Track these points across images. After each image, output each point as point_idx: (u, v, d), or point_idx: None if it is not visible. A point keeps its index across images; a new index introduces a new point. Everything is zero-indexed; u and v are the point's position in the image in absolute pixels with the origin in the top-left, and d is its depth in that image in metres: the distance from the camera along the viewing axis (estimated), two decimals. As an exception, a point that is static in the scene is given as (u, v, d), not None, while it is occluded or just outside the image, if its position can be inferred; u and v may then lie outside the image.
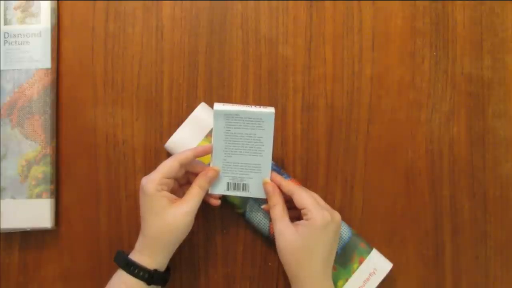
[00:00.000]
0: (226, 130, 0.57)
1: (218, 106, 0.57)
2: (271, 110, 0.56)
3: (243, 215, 0.61)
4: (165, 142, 0.61)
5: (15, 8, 0.63)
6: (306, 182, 0.63)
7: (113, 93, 0.64)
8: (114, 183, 0.64)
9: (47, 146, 0.62)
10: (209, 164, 0.58)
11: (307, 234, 0.54)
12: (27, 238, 0.64)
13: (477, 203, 0.64)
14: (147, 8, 0.65)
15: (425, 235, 0.64)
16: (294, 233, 0.54)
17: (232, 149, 0.57)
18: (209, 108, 0.62)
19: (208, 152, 0.58)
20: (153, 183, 0.54)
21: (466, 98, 0.64)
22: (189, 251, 0.63)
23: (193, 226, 0.56)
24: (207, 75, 0.64)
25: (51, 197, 0.62)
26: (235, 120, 0.56)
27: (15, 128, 0.62)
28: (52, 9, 0.63)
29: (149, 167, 0.62)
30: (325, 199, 0.59)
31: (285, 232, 0.55)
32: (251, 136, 0.57)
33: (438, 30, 0.65)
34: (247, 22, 0.65)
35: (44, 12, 0.63)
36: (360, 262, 0.60)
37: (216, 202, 0.59)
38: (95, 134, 0.64)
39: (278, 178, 0.58)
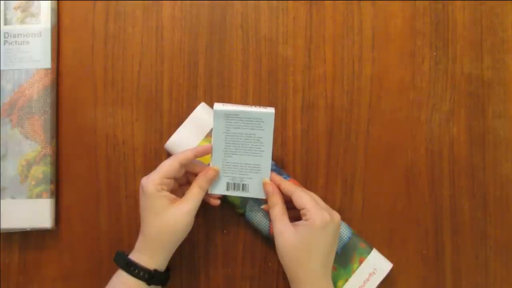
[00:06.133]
0: (226, 130, 0.57)
1: (218, 106, 0.57)
2: (271, 110, 0.56)
3: (243, 215, 0.61)
4: (165, 142, 0.61)
5: (15, 8, 0.63)
6: (306, 182, 0.63)
7: (113, 93, 0.64)
8: (114, 183, 0.64)
9: (47, 146, 0.62)
10: (209, 164, 0.58)
11: (306, 234, 0.54)
12: (27, 238, 0.64)
13: (477, 203, 0.64)
14: (147, 8, 0.65)
15: (425, 235, 0.63)
16: (294, 233, 0.54)
17: (232, 149, 0.57)
18: (209, 108, 0.62)
19: (208, 152, 0.58)
20: (153, 183, 0.54)
21: (466, 98, 0.64)
22: (189, 251, 0.63)
23: (193, 226, 0.56)
24: (207, 75, 0.64)
25: (51, 197, 0.62)
26: (235, 120, 0.56)
27: (15, 128, 0.62)
28: (52, 9, 0.63)
29: (149, 167, 0.61)
30: (325, 199, 0.59)
31: (284, 232, 0.55)
32: (251, 136, 0.57)
33: (438, 30, 0.64)
34: (247, 22, 0.65)
35: (44, 12, 0.63)
36: (360, 262, 0.60)
37: (216, 202, 0.59)
38: (95, 134, 0.64)
39: (278, 178, 0.58)
